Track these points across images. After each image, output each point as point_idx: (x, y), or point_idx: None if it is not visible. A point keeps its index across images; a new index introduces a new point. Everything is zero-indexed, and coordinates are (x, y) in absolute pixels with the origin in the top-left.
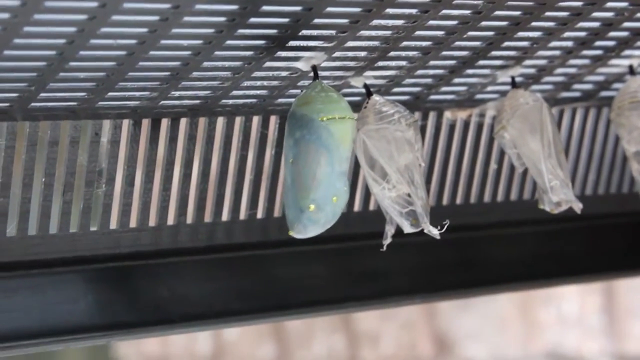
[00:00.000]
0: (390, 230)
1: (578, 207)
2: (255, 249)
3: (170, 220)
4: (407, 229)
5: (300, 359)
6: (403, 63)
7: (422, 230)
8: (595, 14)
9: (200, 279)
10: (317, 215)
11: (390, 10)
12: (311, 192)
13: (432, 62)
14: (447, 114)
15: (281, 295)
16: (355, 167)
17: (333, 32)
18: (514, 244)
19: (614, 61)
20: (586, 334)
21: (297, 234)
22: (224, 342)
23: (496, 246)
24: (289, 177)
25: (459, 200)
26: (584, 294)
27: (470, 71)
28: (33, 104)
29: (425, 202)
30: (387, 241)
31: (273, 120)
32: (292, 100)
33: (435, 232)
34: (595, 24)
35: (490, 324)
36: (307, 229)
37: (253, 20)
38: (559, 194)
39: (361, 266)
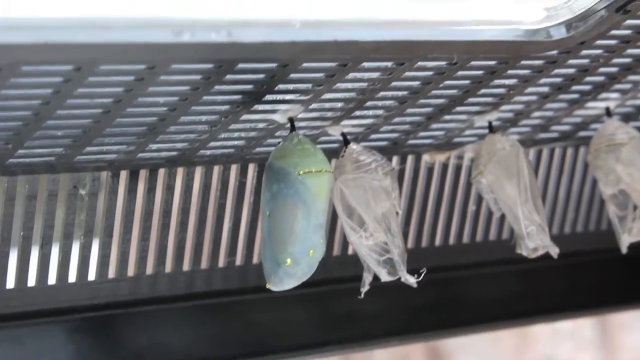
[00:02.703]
0: (368, 278)
1: (555, 252)
2: (235, 295)
3: (150, 270)
4: (385, 277)
5: None
6: (380, 112)
7: (400, 278)
8: (571, 62)
9: (179, 326)
10: (294, 269)
11: (365, 65)
12: (288, 247)
13: (409, 110)
14: (426, 157)
15: (261, 341)
16: (335, 213)
17: (309, 86)
18: (494, 283)
19: (591, 104)
20: (579, 346)
21: (274, 287)
22: None
23: (476, 286)
24: (266, 230)
25: (438, 242)
26: None
27: (447, 117)
28: (11, 161)
29: (402, 250)
30: (365, 289)
31: (252, 168)
32: (271, 149)
33: (412, 281)
34: (572, 71)
35: (484, 338)
36: (283, 282)
37: (229, 77)
38: (535, 240)
39: (340, 310)
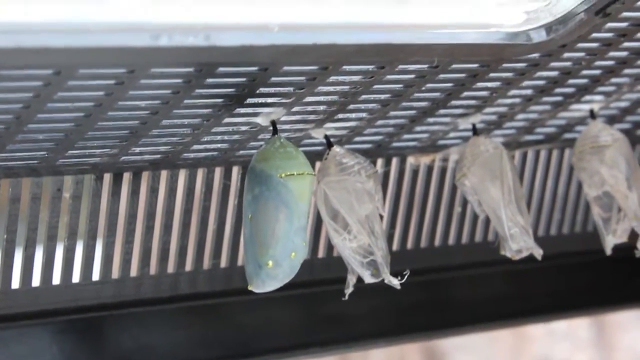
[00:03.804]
0: (352, 280)
1: (538, 253)
2: (220, 297)
3: (134, 272)
4: (368, 279)
5: None
6: (363, 115)
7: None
8: (553, 64)
9: (164, 328)
10: (275, 271)
11: (346, 67)
12: (270, 249)
13: (392, 113)
14: (410, 160)
15: (246, 342)
16: (320, 215)
17: (291, 89)
18: (479, 285)
19: (574, 106)
20: (575, 346)
21: (256, 288)
22: None
23: (461, 287)
24: (248, 232)
25: (423, 244)
26: None
27: (430, 120)
28: None
29: (385, 252)
30: (348, 290)
31: (235, 170)
32: (254, 152)
33: (395, 283)
34: (554, 73)
35: (480, 337)
36: (265, 284)
37: (210, 81)
38: (518, 242)
39: (326, 311)
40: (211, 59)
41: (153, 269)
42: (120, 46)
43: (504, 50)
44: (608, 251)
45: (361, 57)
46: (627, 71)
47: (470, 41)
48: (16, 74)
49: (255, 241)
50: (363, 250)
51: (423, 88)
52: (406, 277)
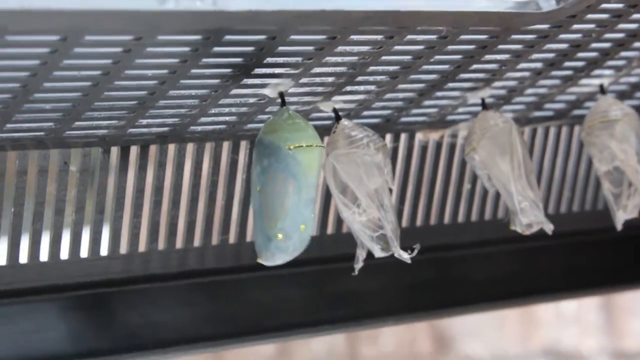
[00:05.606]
0: (361, 255)
1: (549, 228)
2: (228, 273)
3: (142, 247)
4: (378, 253)
5: (300, 357)
6: (371, 87)
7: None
8: (562, 36)
9: (173, 304)
10: (285, 243)
11: (354, 37)
12: (279, 221)
13: (400, 86)
14: (419, 135)
15: (255, 319)
16: (329, 191)
17: (299, 59)
18: (489, 263)
19: (584, 81)
20: (584, 331)
21: (265, 261)
22: None
23: (471, 265)
24: (257, 205)
25: (432, 221)
26: None
27: (439, 94)
28: (0, 135)
29: (395, 226)
30: (358, 265)
31: (243, 145)
32: (262, 125)
33: (405, 257)
34: (563, 46)
35: (489, 321)
36: (275, 257)
37: (217, 49)
38: (529, 216)
39: (335, 288)
40: (218, 24)
41: (161, 244)
42: (127, 9)
43: (513, 19)
44: (619, 227)
45: (369, 24)
46: (637, 44)
47: (479, 9)
48: (22, 39)
49: (264, 214)
50: (372, 224)
51: (432, 60)
52: (416, 251)
